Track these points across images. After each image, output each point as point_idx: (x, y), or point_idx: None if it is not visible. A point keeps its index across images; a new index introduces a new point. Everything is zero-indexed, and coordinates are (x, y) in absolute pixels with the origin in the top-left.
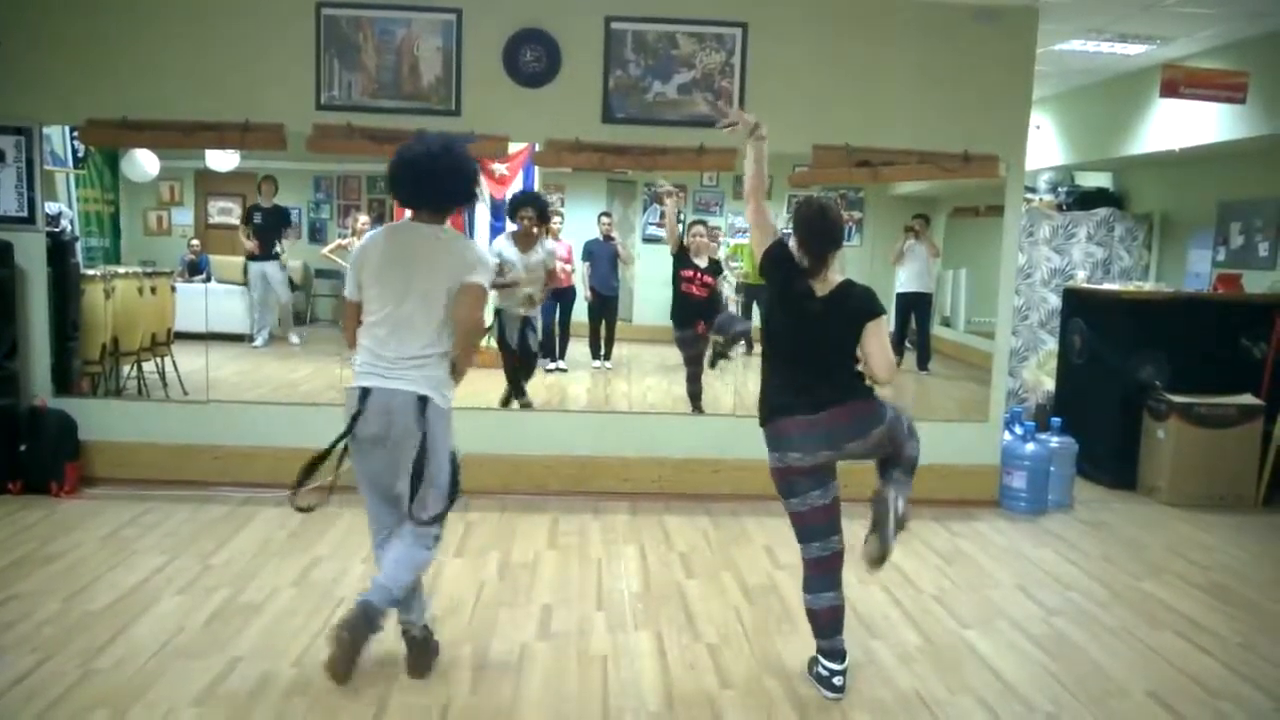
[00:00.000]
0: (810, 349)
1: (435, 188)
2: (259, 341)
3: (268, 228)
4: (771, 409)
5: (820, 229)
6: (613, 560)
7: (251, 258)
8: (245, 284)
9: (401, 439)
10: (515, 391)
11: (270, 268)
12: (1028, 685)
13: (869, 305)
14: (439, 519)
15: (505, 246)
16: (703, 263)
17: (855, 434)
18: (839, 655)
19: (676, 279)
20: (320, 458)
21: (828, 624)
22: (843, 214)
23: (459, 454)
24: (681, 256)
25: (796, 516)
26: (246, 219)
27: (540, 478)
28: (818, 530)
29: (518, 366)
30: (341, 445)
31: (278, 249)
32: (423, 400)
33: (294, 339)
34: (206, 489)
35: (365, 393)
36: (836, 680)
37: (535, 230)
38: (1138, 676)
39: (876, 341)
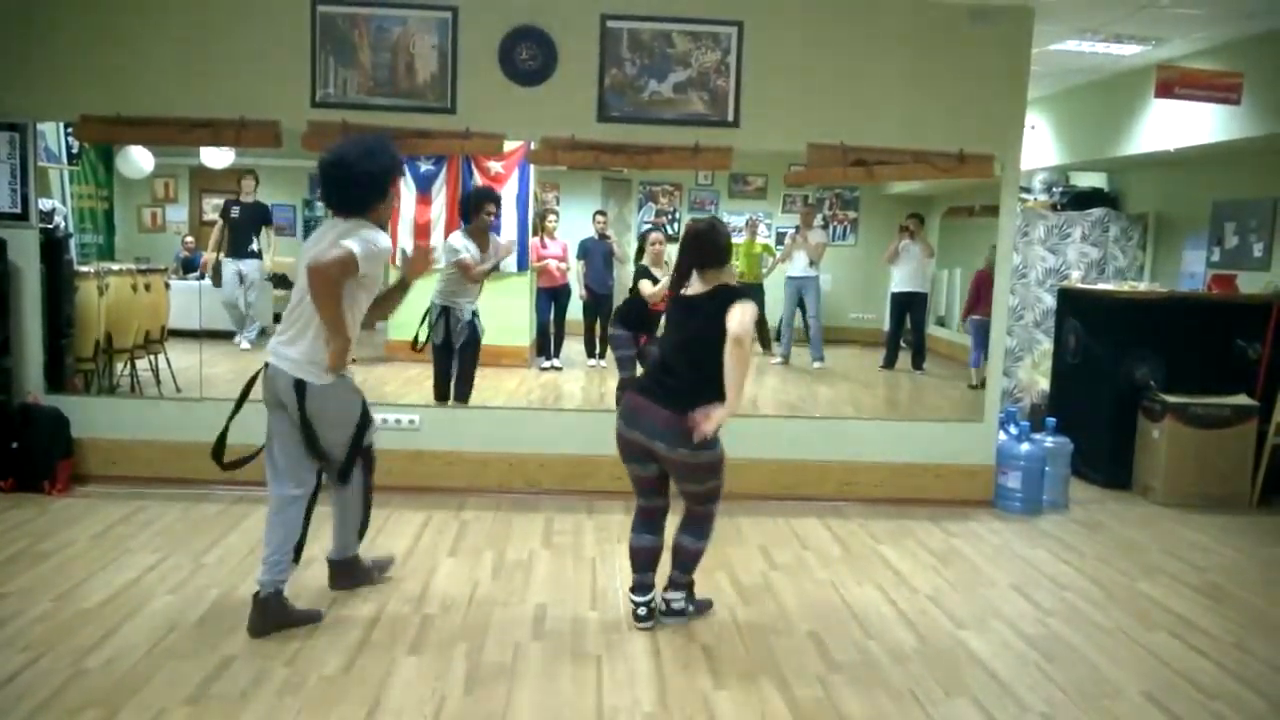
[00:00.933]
0: (676, 344)
1: (339, 194)
2: (244, 343)
3: (245, 224)
4: (634, 382)
5: (691, 248)
6: (607, 559)
7: (228, 254)
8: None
9: (294, 415)
10: (443, 394)
11: (247, 266)
12: (1022, 685)
13: (734, 295)
14: (344, 476)
15: (465, 244)
16: (662, 273)
17: (663, 438)
18: (644, 589)
19: (636, 288)
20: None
21: (641, 561)
22: (726, 237)
23: (362, 424)
24: (642, 270)
25: (629, 476)
26: (224, 214)
27: (534, 476)
28: (639, 490)
29: (463, 363)
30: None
31: (254, 246)
32: (300, 384)
33: (243, 344)
34: (199, 487)
35: (265, 365)
36: (640, 610)
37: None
38: (1133, 677)
39: (737, 312)
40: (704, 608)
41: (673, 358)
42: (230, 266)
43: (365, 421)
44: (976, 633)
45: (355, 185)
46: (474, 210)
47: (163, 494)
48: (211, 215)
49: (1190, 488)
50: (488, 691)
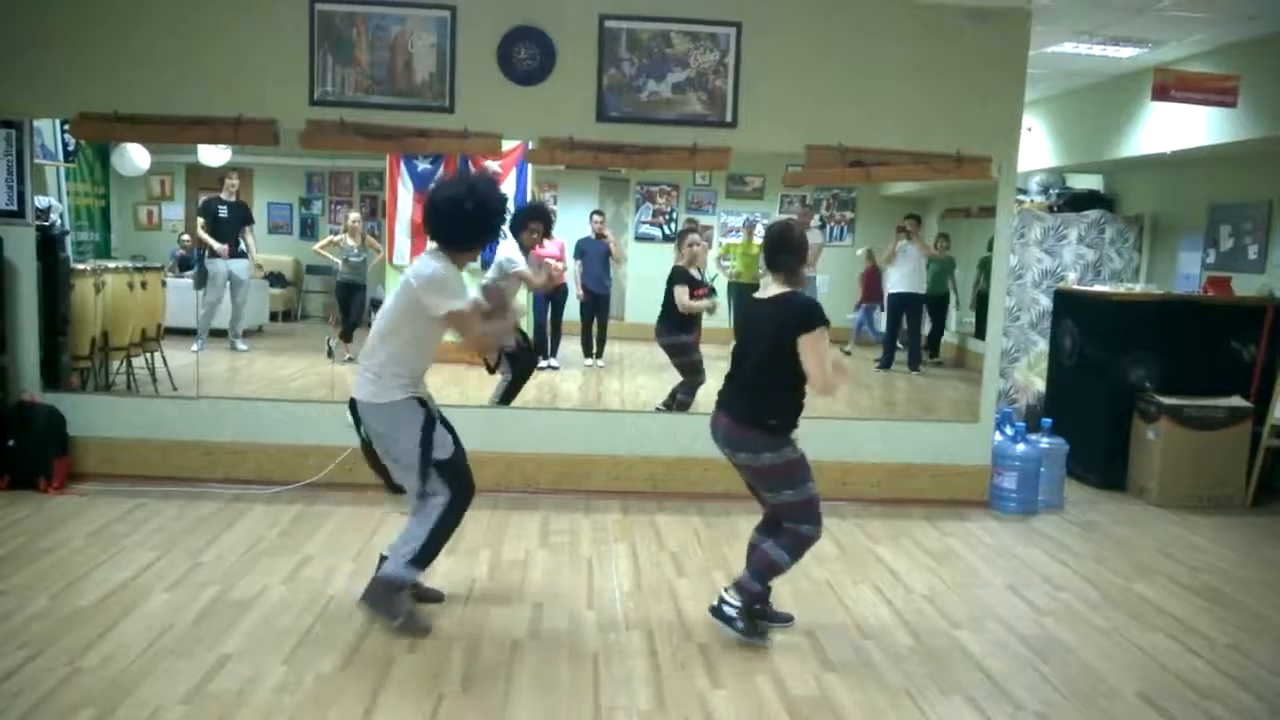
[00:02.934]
0: (741, 349)
1: (450, 232)
2: (229, 346)
3: (233, 223)
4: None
5: (764, 248)
6: (604, 559)
7: (212, 255)
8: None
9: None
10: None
11: (237, 266)
12: (1018, 685)
13: (803, 318)
14: (422, 494)
15: (516, 253)
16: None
17: (727, 443)
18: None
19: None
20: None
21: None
22: (803, 235)
23: (426, 439)
24: (679, 272)
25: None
26: (205, 213)
27: (531, 476)
28: (752, 493)
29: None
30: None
31: (243, 246)
32: (353, 402)
33: (240, 345)
34: (196, 485)
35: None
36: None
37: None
38: (1127, 677)
39: (812, 355)
40: (764, 630)
41: (737, 363)
42: (221, 267)
43: (427, 443)
44: (972, 632)
45: (472, 230)
46: (519, 228)
47: (159, 492)
48: (224, 215)
49: (1185, 489)
50: (485, 690)
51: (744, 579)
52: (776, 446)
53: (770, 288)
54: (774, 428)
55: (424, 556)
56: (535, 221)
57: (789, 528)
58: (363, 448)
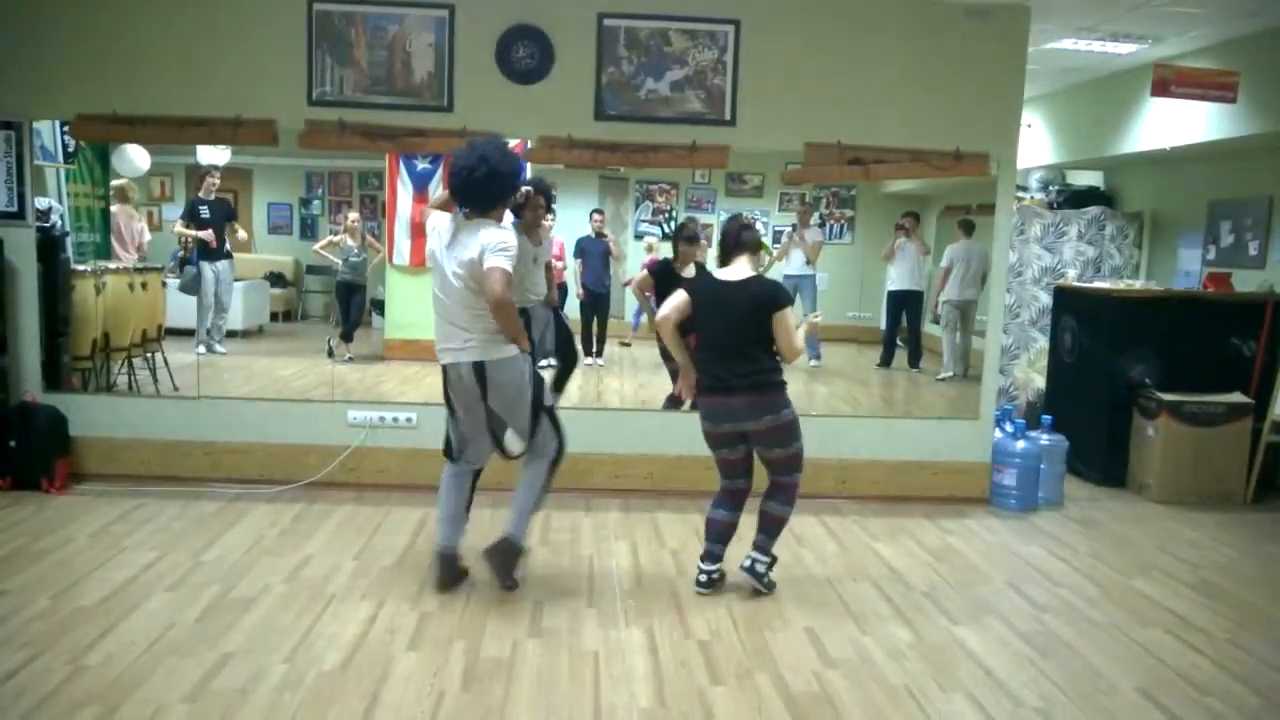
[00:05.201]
0: (732, 338)
1: (476, 194)
2: (204, 349)
3: (217, 223)
4: (703, 385)
5: (736, 235)
6: (604, 557)
7: (202, 256)
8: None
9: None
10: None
11: (222, 266)
12: (1018, 681)
13: (777, 297)
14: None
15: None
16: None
17: (750, 417)
18: (713, 558)
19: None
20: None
21: (715, 532)
22: (753, 226)
23: (539, 386)
24: (665, 265)
25: (717, 461)
26: (190, 214)
27: None
28: (727, 473)
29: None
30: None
31: (228, 246)
32: (479, 365)
33: (219, 348)
34: (197, 485)
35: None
36: (702, 577)
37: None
38: (1127, 673)
39: (785, 328)
40: (772, 588)
41: (728, 345)
42: (207, 268)
43: (539, 388)
44: (972, 629)
45: (498, 187)
46: (520, 205)
47: (160, 492)
48: (206, 215)
49: (1185, 485)
50: (485, 688)
51: (764, 541)
52: (788, 401)
53: (738, 272)
54: (782, 383)
55: (533, 514)
56: (535, 195)
57: (785, 482)
58: (453, 418)
